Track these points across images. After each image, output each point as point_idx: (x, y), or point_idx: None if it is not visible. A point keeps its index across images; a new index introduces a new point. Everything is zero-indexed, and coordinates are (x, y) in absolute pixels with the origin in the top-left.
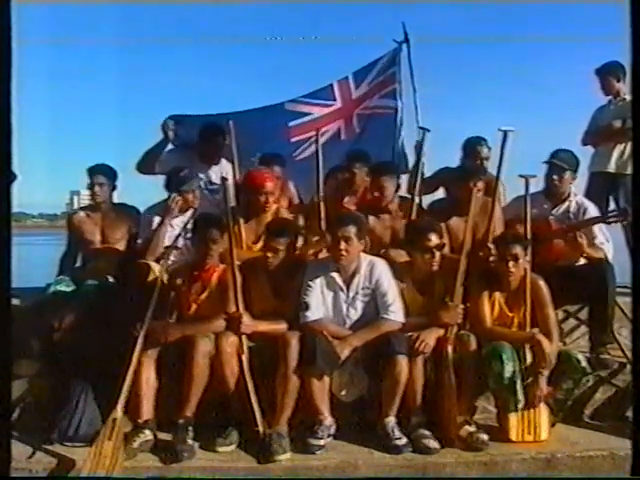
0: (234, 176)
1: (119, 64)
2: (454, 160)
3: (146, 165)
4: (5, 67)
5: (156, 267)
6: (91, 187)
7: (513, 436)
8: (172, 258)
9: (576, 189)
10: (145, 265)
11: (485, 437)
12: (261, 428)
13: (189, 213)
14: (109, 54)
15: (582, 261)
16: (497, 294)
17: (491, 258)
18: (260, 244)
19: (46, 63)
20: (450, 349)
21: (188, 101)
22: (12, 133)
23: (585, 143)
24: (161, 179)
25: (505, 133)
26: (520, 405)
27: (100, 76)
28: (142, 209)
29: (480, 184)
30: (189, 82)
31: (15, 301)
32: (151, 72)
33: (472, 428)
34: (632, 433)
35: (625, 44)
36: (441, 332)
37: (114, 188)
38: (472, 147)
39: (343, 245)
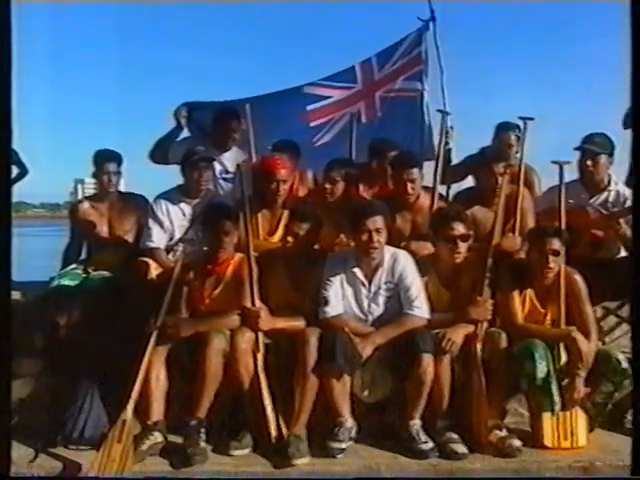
0: (250, 163)
1: (120, 51)
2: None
3: (159, 154)
4: (5, 59)
5: (154, 265)
6: (102, 175)
7: (547, 442)
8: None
9: (617, 177)
10: (143, 263)
11: (517, 442)
12: (274, 432)
13: (196, 201)
14: (110, 42)
15: (623, 254)
16: (528, 289)
17: (524, 250)
18: (277, 235)
19: (46, 52)
20: (479, 347)
21: (191, 87)
22: (12, 121)
23: (627, 126)
24: (167, 168)
25: (525, 122)
26: (555, 408)
27: (101, 63)
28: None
29: (509, 171)
30: (192, 69)
31: (16, 295)
32: (152, 63)
33: (503, 433)
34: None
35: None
36: (469, 329)
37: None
38: (500, 133)
39: (376, 237)
